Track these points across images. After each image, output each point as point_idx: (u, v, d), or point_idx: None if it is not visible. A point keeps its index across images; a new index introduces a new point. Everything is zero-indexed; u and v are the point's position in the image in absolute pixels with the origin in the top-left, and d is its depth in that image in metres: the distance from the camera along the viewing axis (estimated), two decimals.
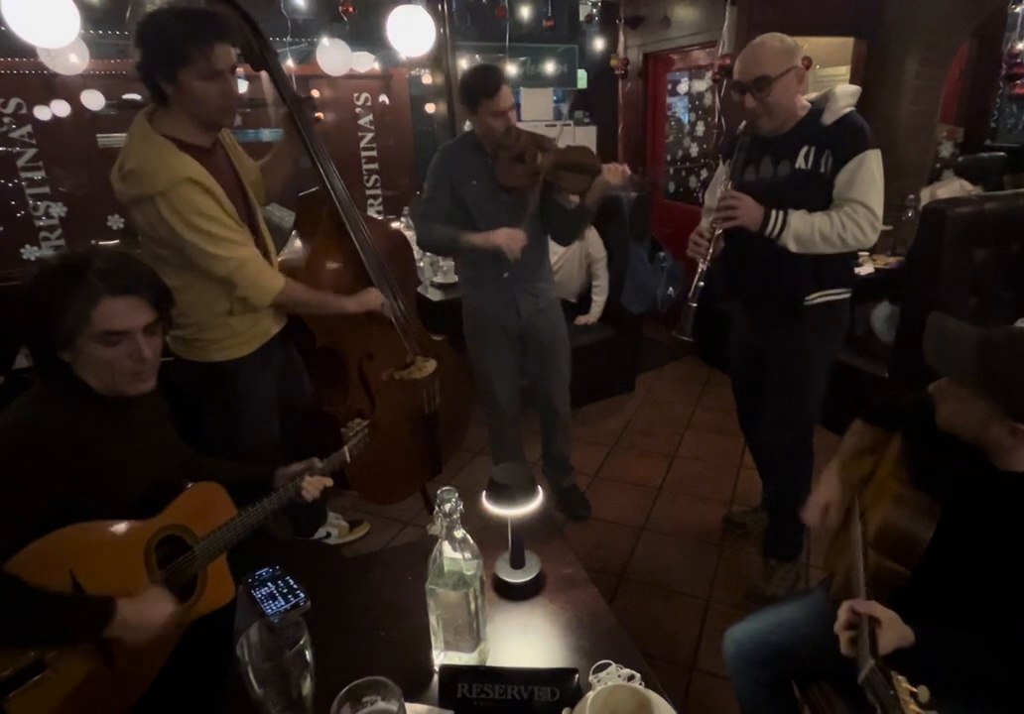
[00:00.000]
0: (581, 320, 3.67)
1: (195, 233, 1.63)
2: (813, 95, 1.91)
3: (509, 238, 2.13)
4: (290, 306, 1.92)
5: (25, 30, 2.44)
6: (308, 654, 0.90)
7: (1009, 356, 1.10)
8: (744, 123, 1.97)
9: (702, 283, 1.85)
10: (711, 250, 1.85)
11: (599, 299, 3.67)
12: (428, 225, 2.30)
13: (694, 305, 1.85)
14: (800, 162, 1.84)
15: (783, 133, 1.87)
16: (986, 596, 1.15)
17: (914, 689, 0.91)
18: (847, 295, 2.01)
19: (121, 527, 1.23)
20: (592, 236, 3.58)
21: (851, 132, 1.79)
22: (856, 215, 1.77)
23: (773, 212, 1.80)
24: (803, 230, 1.79)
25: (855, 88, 1.86)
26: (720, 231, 1.85)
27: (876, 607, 1.09)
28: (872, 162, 1.78)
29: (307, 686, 0.90)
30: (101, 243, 3.46)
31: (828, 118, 1.81)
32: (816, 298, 1.95)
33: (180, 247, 1.66)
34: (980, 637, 1.12)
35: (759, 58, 1.78)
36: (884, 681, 0.92)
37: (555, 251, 3.60)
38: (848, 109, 1.81)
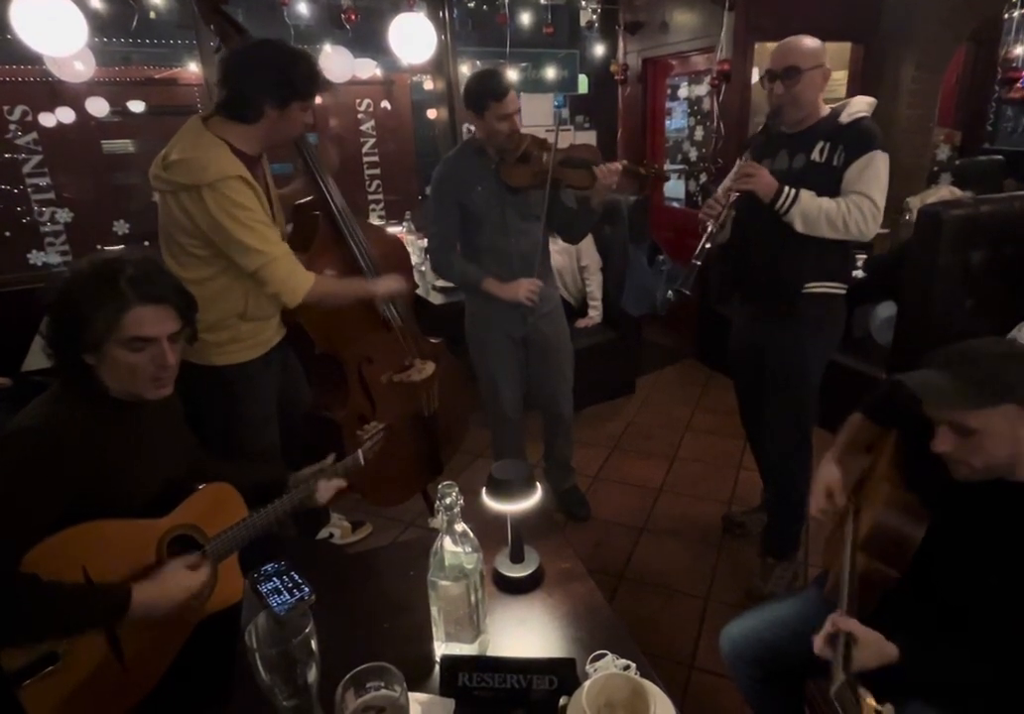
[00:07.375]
0: (581, 323, 3.70)
1: (237, 225, 1.68)
2: (833, 104, 2.00)
3: (529, 290, 2.27)
4: (320, 302, 1.89)
5: (33, 38, 2.48)
6: (313, 643, 0.92)
7: (982, 354, 1.12)
8: (761, 127, 2.07)
9: (708, 245, 1.93)
10: (723, 213, 1.93)
11: (595, 302, 3.71)
12: (446, 258, 2.37)
13: (698, 264, 1.93)
14: (815, 155, 1.94)
15: (801, 130, 1.98)
16: (973, 601, 1.15)
17: (879, 707, 0.94)
18: (843, 291, 2.07)
19: (133, 525, 1.26)
20: (583, 244, 3.59)
21: (864, 132, 1.89)
22: (861, 205, 1.86)
23: (786, 187, 1.89)
24: (811, 208, 1.88)
25: (872, 99, 1.97)
26: (734, 198, 1.93)
27: (855, 625, 1.11)
28: (880, 162, 1.88)
29: (312, 674, 0.92)
30: (107, 248, 3.49)
31: (844, 118, 1.92)
32: (813, 288, 2.02)
33: (215, 238, 1.70)
34: (965, 646, 1.12)
35: (792, 51, 1.90)
36: (852, 698, 0.95)
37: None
38: (863, 114, 1.92)
